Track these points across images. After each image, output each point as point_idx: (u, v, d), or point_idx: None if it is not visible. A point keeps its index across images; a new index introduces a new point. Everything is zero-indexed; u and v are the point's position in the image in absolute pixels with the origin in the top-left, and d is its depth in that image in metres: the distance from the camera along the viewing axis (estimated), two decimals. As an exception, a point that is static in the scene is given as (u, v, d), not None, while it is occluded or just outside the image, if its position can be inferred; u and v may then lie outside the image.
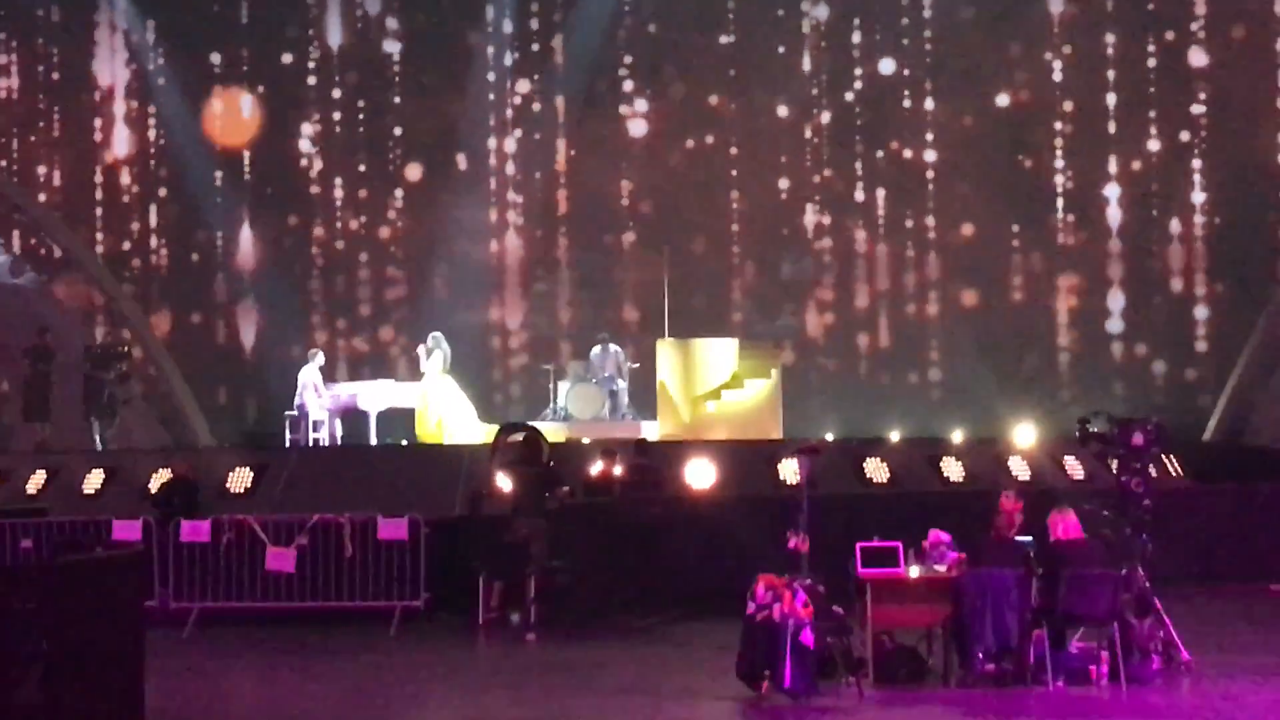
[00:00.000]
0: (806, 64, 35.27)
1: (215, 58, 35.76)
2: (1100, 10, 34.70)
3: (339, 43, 35.83)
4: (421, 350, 26.93)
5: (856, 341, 35.18)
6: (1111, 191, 34.60)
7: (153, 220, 35.98)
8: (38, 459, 24.66)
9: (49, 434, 26.67)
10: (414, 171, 35.67)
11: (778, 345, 30.37)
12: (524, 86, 35.73)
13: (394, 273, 35.69)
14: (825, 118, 35.25)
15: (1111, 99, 34.53)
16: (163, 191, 35.95)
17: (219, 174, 35.51)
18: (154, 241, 36.00)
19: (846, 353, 35.04)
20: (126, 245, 35.85)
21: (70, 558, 11.87)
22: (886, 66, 35.06)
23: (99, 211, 35.80)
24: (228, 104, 35.29)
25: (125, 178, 35.94)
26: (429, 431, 26.54)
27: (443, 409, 26.53)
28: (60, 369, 27.08)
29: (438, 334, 27.06)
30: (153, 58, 35.67)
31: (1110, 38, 34.57)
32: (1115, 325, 34.44)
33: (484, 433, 26.32)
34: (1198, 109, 34.18)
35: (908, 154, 35.14)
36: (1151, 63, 34.42)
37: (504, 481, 19.98)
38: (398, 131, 35.73)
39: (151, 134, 35.89)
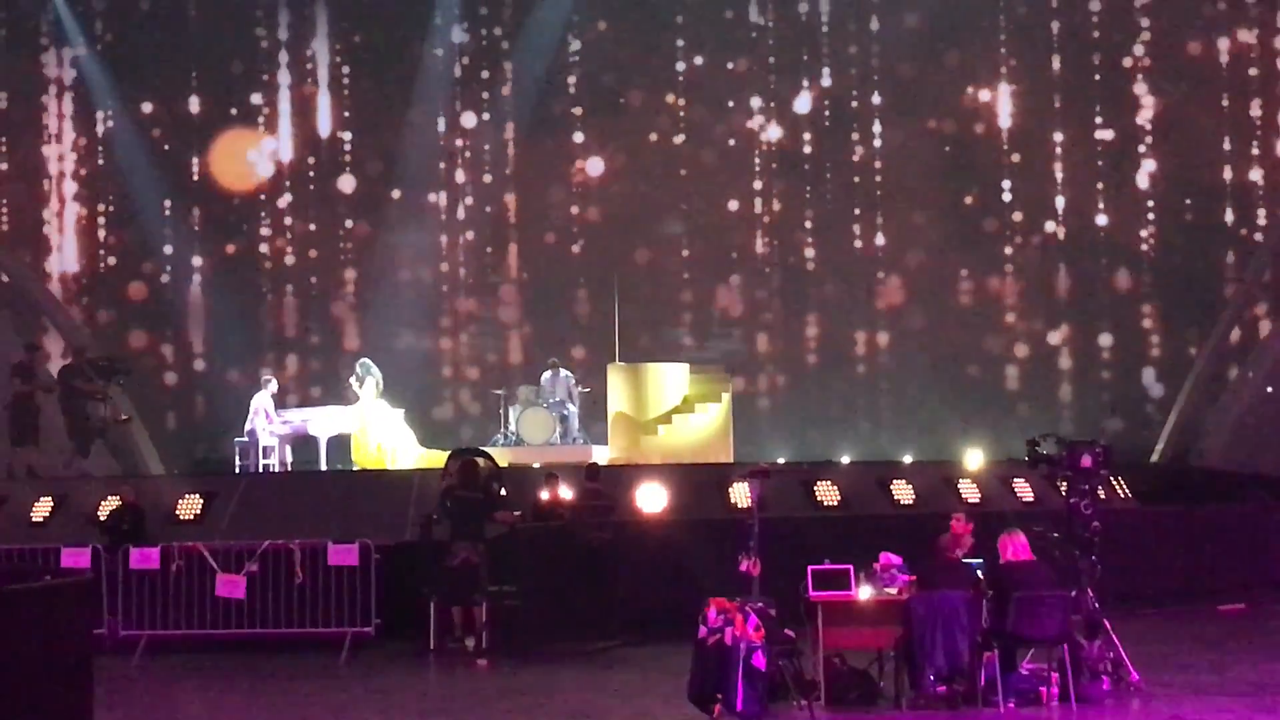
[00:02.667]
0: (756, 88, 35.35)
1: (160, 81, 35.57)
2: (1046, 34, 34.92)
3: (286, 65, 35.68)
4: (353, 380, 26.85)
5: (806, 365, 35.22)
6: (1059, 214, 34.80)
7: (99, 247, 35.76)
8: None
9: (22, 459, 25.85)
10: (361, 196, 35.54)
11: (728, 370, 30.38)
12: (471, 107, 35.61)
13: (342, 298, 35.54)
14: (774, 141, 35.31)
15: (1059, 123, 34.79)
16: (110, 220, 35.72)
17: (168, 202, 35.34)
18: (102, 268, 35.78)
19: (796, 377, 35.07)
20: (74, 272, 35.62)
21: (16, 586, 11.75)
22: (835, 90, 35.19)
23: (47, 239, 35.58)
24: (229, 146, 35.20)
25: (73, 206, 35.73)
26: (369, 456, 26.49)
27: (381, 433, 26.51)
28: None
29: (365, 360, 27.06)
30: (99, 86, 35.46)
31: (1056, 63, 34.83)
32: (1063, 348, 34.63)
33: (423, 457, 26.34)
34: (1145, 130, 34.48)
35: (857, 179, 35.24)
36: (1098, 93, 34.71)
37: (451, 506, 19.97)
38: (346, 155, 35.65)
39: (100, 162, 35.67)
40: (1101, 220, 34.73)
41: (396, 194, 35.17)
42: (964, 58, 35.00)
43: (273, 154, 35.58)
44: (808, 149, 35.32)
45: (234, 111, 35.43)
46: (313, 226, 35.62)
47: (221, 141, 35.22)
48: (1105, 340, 34.52)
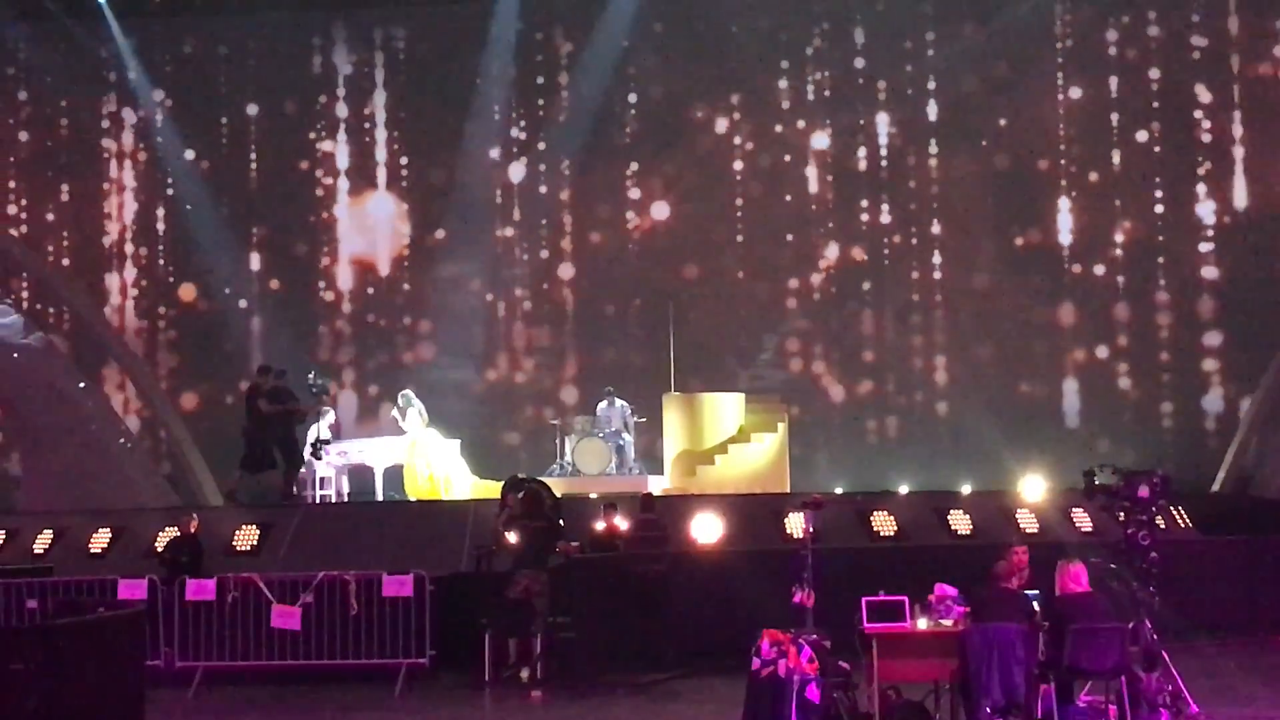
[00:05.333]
0: (812, 120, 35.26)
1: (224, 118, 36.04)
2: (1104, 61, 34.73)
3: (343, 99, 35.96)
4: (395, 412, 27.04)
5: (864, 395, 35.01)
6: (1119, 243, 34.53)
7: (158, 278, 36.09)
8: (45, 519, 24.61)
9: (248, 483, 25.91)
10: (417, 226, 35.71)
11: (784, 400, 30.33)
12: (526, 139, 35.69)
13: (398, 330, 35.67)
14: (831, 172, 35.21)
15: (1117, 154, 34.55)
16: (168, 251, 36.05)
17: (226, 227, 35.65)
18: (160, 300, 36.09)
19: (854, 406, 34.87)
20: (130, 304, 35.93)
21: (69, 618, 11.85)
22: (893, 118, 35.06)
23: (106, 269, 35.95)
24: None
25: (130, 239, 36.08)
26: (420, 486, 26.59)
27: (430, 463, 26.63)
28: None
29: (406, 392, 27.34)
30: (160, 119, 35.90)
31: (1114, 86, 34.64)
32: (1123, 377, 34.34)
33: (478, 487, 26.42)
34: (1204, 157, 34.25)
35: (914, 206, 35.09)
36: (1156, 103, 34.47)
37: (511, 537, 19.96)
38: (402, 184, 35.84)
39: (160, 197, 36.05)
40: (1162, 244, 34.42)
41: (450, 227, 35.25)
42: (1022, 81, 34.76)
43: (326, 188, 35.81)
44: (864, 177, 35.17)
45: (290, 145, 35.73)
46: (368, 259, 35.77)
47: (282, 178, 35.59)
48: (1165, 369, 34.21)
